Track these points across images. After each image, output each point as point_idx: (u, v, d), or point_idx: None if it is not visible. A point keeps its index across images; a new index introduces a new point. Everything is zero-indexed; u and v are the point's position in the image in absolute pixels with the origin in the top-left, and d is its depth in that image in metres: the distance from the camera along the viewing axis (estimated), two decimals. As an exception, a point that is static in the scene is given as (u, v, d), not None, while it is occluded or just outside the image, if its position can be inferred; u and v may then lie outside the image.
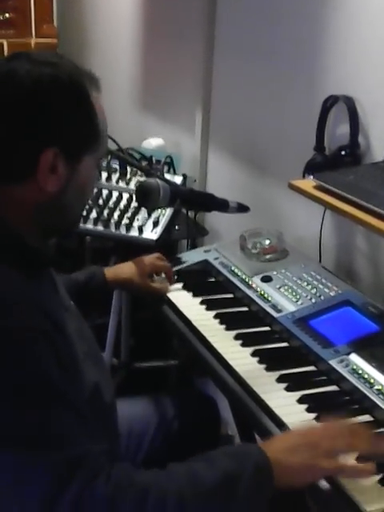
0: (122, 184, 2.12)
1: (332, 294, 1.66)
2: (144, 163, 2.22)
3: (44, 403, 1.01)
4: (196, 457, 1.08)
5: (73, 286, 1.46)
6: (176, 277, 1.81)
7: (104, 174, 2.13)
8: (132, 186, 2.10)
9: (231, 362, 1.46)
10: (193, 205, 1.80)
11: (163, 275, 1.79)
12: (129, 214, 2.05)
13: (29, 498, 0.97)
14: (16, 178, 1.12)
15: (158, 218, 2.01)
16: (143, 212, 2.04)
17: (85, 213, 2.03)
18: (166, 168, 2.29)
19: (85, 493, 0.96)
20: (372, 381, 1.36)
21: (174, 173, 2.32)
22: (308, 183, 1.67)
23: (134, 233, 2.02)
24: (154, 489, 0.99)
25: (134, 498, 0.98)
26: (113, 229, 2.04)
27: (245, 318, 1.65)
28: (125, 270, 1.74)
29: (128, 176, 2.13)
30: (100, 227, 2.05)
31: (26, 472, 0.97)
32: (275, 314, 1.62)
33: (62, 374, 1.04)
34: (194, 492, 1.01)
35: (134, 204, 2.06)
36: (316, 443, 1.11)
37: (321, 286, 1.70)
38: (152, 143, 2.69)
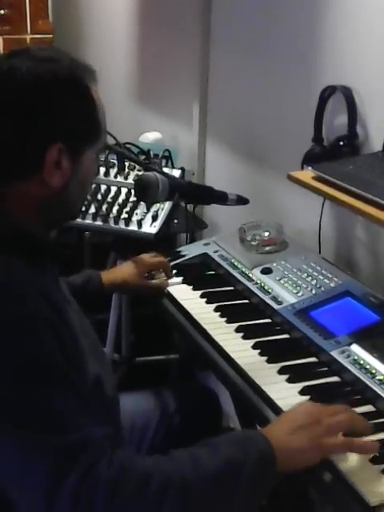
0: (120, 178, 2.12)
1: (332, 284, 1.66)
2: (142, 157, 2.21)
3: (46, 388, 1.01)
4: (199, 443, 1.08)
5: (70, 289, 1.45)
6: (175, 271, 1.81)
7: (102, 169, 2.13)
8: (130, 180, 2.10)
9: (233, 355, 1.46)
10: (192, 198, 1.80)
11: (161, 271, 1.78)
12: (127, 209, 2.04)
13: (32, 483, 0.97)
14: (23, 175, 1.13)
15: (157, 211, 2.01)
16: (142, 206, 2.04)
17: (84, 208, 2.03)
18: (164, 162, 2.28)
19: (87, 477, 0.96)
20: (374, 371, 1.35)
21: (172, 166, 2.31)
22: (307, 174, 1.66)
23: (133, 227, 2.01)
24: (156, 473, 0.99)
25: (137, 482, 0.98)
26: (112, 223, 2.04)
27: (245, 310, 1.65)
28: (120, 272, 1.74)
29: (126, 170, 2.13)
30: (99, 222, 2.05)
31: (29, 456, 0.98)
32: (276, 306, 1.61)
33: (64, 359, 1.04)
34: (197, 477, 1.00)
35: (132, 198, 2.06)
36: (317, 422, 1.11)
37: (321, 277, 1.69)
38: (150, 137, 2.69)
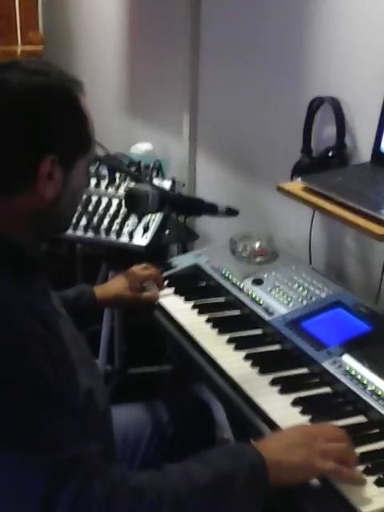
0: (111, 190, 2.13)
1: (323, 295, 1.67)
2: (133, 168, 2.22)
3: (38, 404, 1.01)
4: (192, 457, 1.08)
5: (62, 303, 1.44)
6: (167, 282, 1.81)
7: (93, 181, 2.13)
8: (121, 191, 2.10)
9: (224, 366, 1.46)
10: (182, 210, 1.80)
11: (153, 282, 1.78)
12: (119, 220, 2.05)
13: (26, 499, 0.97)
14: (15, 188, 1.12)
15: (148, 223, 2.01)
16: (133, 218, 2.04)
17: (75, 220, 2.03)
18: (154, 173, 2.30)
19: (81, 494, 0.96)
20: (365, 382, 1.36)
21: (163, 177, 2.32)
22: (296, 185, 1.67)
23: (125, 239, 2.02)
24: (149, 489, 1.00)
25: (130, 498, 0.99)
26: (103, 235, 2.04)
27: (237, 321, 1.65)
28: (112, 287, 1.74)
29: (117, 182, 2.14)
30: (90, 234, 2.05)
31: (22, 473, 0.97)
32: (267, 317, 1.62)
33: (56, 374, 1.04)
34: (190, 492, 1.01)
35: (123, 210, 2.06)
36: (311, 443, 1.13)
37: (312, 288, 1.70)
38: (140, 148, 2.70)
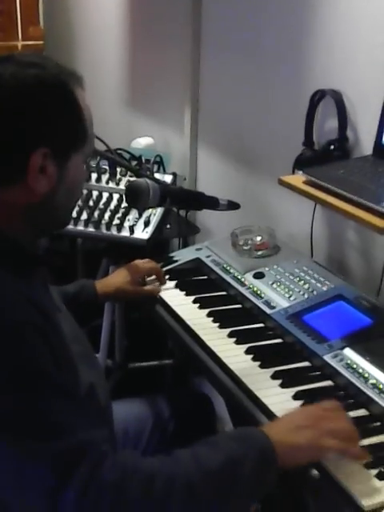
0: (111, 184, 2.12)
1: (324, 288, 1.66)
2: (134, 163, 2.21)
3: (41, 392, 1.01)
4: (200, 441, 1.09)
5: (63, 298, 1.44)
6: (168, 276, 1.81)
7: (94, 175, 2.13)
8: (122, 186, 2.10)
9: (225, 360, 1.46)
10: (183, 203, 1.80)
11: (154, 277, 1.78)
12: (119, 215, 2.04)
13: (34, 488, 0.97)
14: (6, 181, 1.11)
15: (149, 217, 2.01)
16: (134, 212, 2.03)
17: (75, 215, 2.03)
18: (155, 167, 2.29)
19: (92, 479, 0.96)
20: (366, 375, 1.36)
21: (164, 172, 2.32)
22: (298, 178, 1.67)
23: (126, 233, 2.01)
24: (160, 473, 1.00)
25: (141, 482, 0.98)
26: (104, 230, 2.03)
27: (238, 315, 1.65)
28: (113, 280, 1.73)
29: (118, 176, 2.13)
30: (91, 228, 2.04)
31: (28, 462, 0.97)
32: (268, 311, 1.62)
33: (56, 363, 1.04)
34: (201, 476, 1.02)
35: (124, 204, 2.05)
36: (316, 424, 1.14)
37: (313, 281, 1.70)
38: (141, 143, 2.69)
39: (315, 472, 1.15)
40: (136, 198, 1.62)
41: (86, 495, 0.95)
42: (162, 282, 1.78)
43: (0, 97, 1.08)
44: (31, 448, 0.97)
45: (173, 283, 1.78)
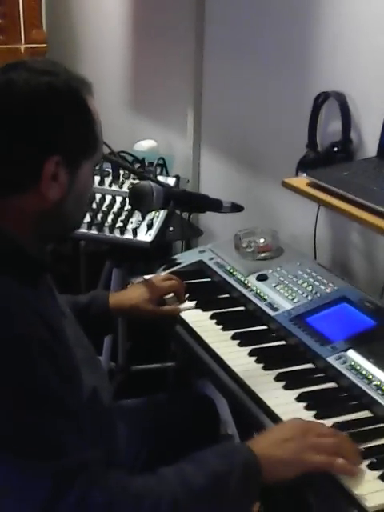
0: (115, 187, 2.12)
1: (328, 290, 1.66)
2: (137, 166, 2.22)
3: (42, 411, 1.01)
4: (185, 458, 1.09)
5: (74, 310, 1.41)
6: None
7: (97, 178, 2.13)
8: (125, 189, 2.10)
9: (229, 363, 1.46)
10: (186, 206, 1.79)
11: (172, 295, 1.69)
12: (122, 217, 2.04)
13: (28, 506, 0.98)
14: (19, 188, 1.11)
15: (152, 220, 2.01)
16: (137, 215, 2.03)
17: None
18: (158, 170, 2.29)
19: (84, 501, 0.97)
20: (370, 377, 1.35)
21: (167, 174, 2.32)
22: (301, 181, 1.67)
23: (129, 235, 2.01)
24: (148, 495, 1.01)
25: (130, 504, 1.00)
26: (107, 232, 2.03)
27: (241, 317, 1.65)
28: (129, 296, 1.64)
29: (121, 179, 2.13)
30: (94, 231, 2.04)
31: (25, 480, 0.98)
32: (272, 313, 1.61)
33: (60, 381, 1.04)
34: (186, 495, 1.03)
35: (127, 207, 2.06)
36: (301, 437, 1.14)
37: (317, 283, 1.69)
38: (144, 145, 2.69)
39: (326, 481, 1.14)
40: (140, 201, 1.62)
41: None
42: (181, 301, 1.69)
43: (14, 103, 1.09)
44: (28, 467, 0.98)
45: (193, 303, 1.69)
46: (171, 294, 1.69)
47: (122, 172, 2.13)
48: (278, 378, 1.39)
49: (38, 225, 1.15)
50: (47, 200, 1.12)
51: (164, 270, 1.85)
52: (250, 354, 1.48)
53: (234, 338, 1.54)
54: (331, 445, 1.15)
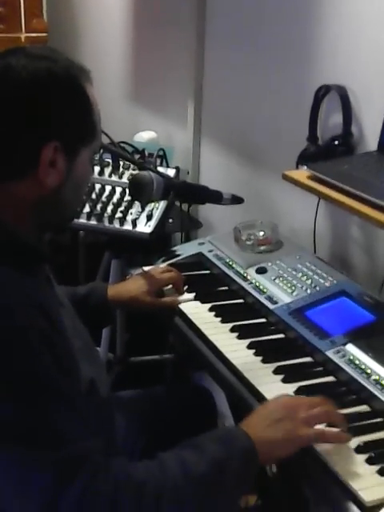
0: (114, 178, 2.11)
1: (327, 284, 1.66)
2: (136, 156, 2.21)
3: (42, 401, 1.00)
4: (184, 443, 1.10)
5: (72, 301, 1.40)
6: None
7: (96, 168, 2.12)
8: (125, 179, 2.09)
9: (228, 355, 1.45)
10: (187, 197, 1.79)
11: (171, 286, 1.69)
12: (122, 208, 2.04)
13: (30, 497, 0.97)
14: (17, 174, 1.11)
15: (152, 211, 2.00)
16: (137, 206, 2.03)
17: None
18: (158, 161, 2.28)
19: (87, 491, 0.97)
20: (369, 371, 1.35)
21: (167, 165, 2.31)
22: (302, 174, 1.66)
23: (128, 226, 2.00)
24: (149, 483, 1.01)
25: (133, 493, 1.00)
26: (106, 223, 2.03)
27: (240, 310, 1.65)
28: (128, 287, 1.64)
29: (120, 170, 2.12)
30: (93, 222, 2.04)
31: (26, 471, 0.97)
32: (271, 306, 1.61)
33: (58, 369, 1.04)
34: (187, 481, 1.03)
35: (127, 198, 2.05)
36: (294, 414, 1.16)
37: (316, 277, 1.69)
38: (144, 136, 2.68)
39: (324, 475, 1.15)
40: (140, 191, 1.61)
41: (82, 506, 0.97)
42: (180, 293, 1.69)
43: (13, 88, 1.08)
44: (31, 457, 0.97)
45: (192, 294, 1.69)
46: (170, 286, 1.69)
47: (121, 162, 2.12)
48: (276, 371, 1.39)
49: (36, 213, 1.14)
50: (45, 187, 1.11)
51: (163, 261, 1.85)
52: (249, 346, 1.48)
53: (232, 330, 1.54)
54: (321, 415, 1.17)
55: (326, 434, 1.16)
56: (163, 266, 1.78)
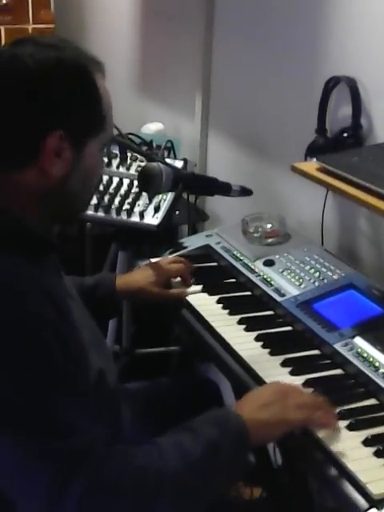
0: (122, 169, 2.11)
1: (335, 277, 1.65)
2: (144, 148, 2.20)
3: (48, 392, 1.00)
4: (180, 426, 1.13)
5: (80, 292, 1.40)
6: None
7: (104, 160, 2.11)
8: (132, 171, 2.09)
9: (235, 347, 1.45)
10: (195, 189, 1.78)
11: (179, 279, 1.69)
12: (129, 200, 2.03)
13: (36, 486, 0.98)
14: (20, 163, 1.10)
15: (159, 203, 2.00)
16: (144, 197, 2.03)
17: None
18: (166, 152, 2.28)
19: (93, 480, 0.98)
20: (377, 364, 1.35)
21: (175, 157, 2.30)
22: (311, 166, 1.65)
23: (135, 218, 2.00)
24: (150, 469, 1.02)
25: (135, 481, 1.01)
26: (114, 215, 2.03)
27: (248, 302, 1.64)
28: (136, 278, 1.63)
29: (128, 161, 2.12)
30: (101, 213, 2.04)
31: (32, 460, 0.98)
32: (278, 298, 1.61)
33: (67, 358, 1.03)
34: (185, 466, 1.05)
35: (134, 189, 2.05)
36: (285, 398, 1.19)
37: (324, 270, 1.69)
38: (151, 128, 2.67)
39: (331, 467, 1.15)
40: (148, 182, 1.61)
41: (88, 496, 0.98)
42: (188, 285, 1.68)
43: (18, 76, 1.07)
44: (36, 447, 0.98)
45: (199, 286, 1.69)
46: (178, 279, 1.68)
47: (129, 154, 2.12)
48: (284, 364, 1.39)
49: (44, 204, 1.14)
50: (50, 176, 1.11)
51: (170, 253, 1.84)
52: (257, 338, 1.47)
53: (240, 322, 1.54)
54: (311, 402, 1.21)
55: (313, 418, 1.19)
56: (172, 256, 1.77)
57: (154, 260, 1.74)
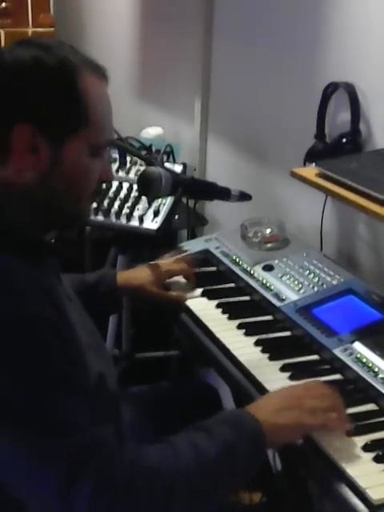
0: (121, 174, 2.11)
1: (334, 282, 1.66)
2: (143, 152, 2.21)
3: (51, 391, 1.00)
4: (194, 426, 1.12)
5: (81, 289, 1.41)
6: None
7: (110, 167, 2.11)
8: (132, 175, 2.09)
9: (234, 352, 1.46)
10: (195, 193, 1.78)
11: (181, 279, 1.69)
12: (129, 204, 2.04)
13: (46, 486, 0.97)
14: None
15: (159, 207, 2.00)
16: (143, 202, 2.03)
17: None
18: (165, 157, 2.28)
19: (104, 477, 0.97)
20: (376, 369, 1.35)
21: (174, 161, 2.31)
22: (310, 171, 1.66)
23: (135, 223, 2.01)
24: (163, 468, 1.02)
25: (147, 480, 1.00)
26: (113, 219, 2.03)
27: (247, 307, 1.64)
28: (138, 275, 1.64)
29: (128, 165, 2.12)
30: (100, 217, 2.04)
31: (40, 460, 0.97)
32: (278, 303, 1.61)
33: (67, 357, 1.04)
34: (200, 466, 1.05)
35: (134, 194, 2.05)
36: (300, 402, 1.18)
37: (323, 275, 1.69)
38: (151, 132, 2.68)
39: (330, 472, 1.15)
40: (148, 186, 1.61)
41: (99, 494, 0.97)
42: (192, 284, 1.69)
43: None
44: (43, 446, 0.97)
45: (200, 290, 1.68)
46: (177, 279, 1.69)
47: (129, 158, 2.12)
48: (283, 369, 1.39)
49: (31, 205, 1.13)
50: (23, 172, 1.10)
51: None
52: (256, 343, 1.48)
53: (239, 327, 1.54)
54: (326, 405, 1.20)
55: (330, 424, 1.18)
56: (173, 258, 1.77)
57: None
